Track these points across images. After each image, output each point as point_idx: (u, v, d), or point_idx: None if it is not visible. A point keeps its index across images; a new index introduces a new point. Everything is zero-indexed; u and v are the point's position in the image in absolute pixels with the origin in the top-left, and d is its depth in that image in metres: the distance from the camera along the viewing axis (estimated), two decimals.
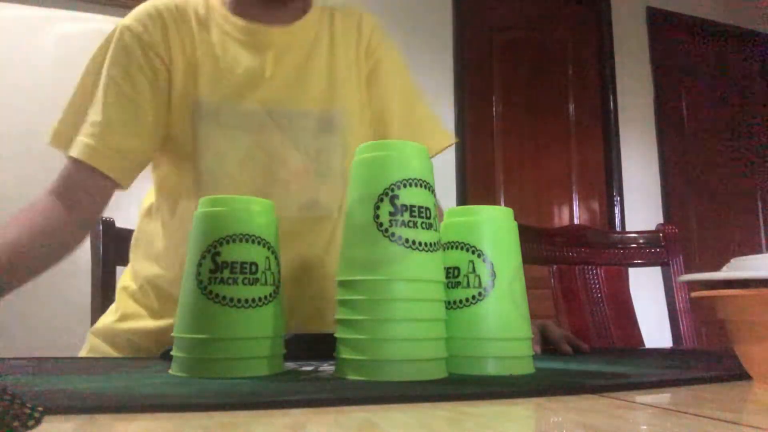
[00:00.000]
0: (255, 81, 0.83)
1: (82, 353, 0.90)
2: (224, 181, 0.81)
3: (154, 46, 0.80)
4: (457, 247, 0.56)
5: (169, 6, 0.82)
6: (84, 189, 0.80)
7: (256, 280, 0.53)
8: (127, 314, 0.87)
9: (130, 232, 0.98)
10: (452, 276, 0.55)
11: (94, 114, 0.79)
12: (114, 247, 1.09)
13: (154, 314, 0.85)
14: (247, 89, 0.82)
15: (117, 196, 0.86)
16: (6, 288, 0.74)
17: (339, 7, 0.93)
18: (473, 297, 0.54)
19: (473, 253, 0.55)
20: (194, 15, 0.83)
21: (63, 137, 0.81)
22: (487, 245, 0.56)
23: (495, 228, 0.57)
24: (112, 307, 0.92)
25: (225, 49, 0.82)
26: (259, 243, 0.54)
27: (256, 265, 0.53)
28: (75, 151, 0.78)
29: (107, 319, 0.90)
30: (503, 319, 0.54)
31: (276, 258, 0.55)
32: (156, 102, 0.80)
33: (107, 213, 1.11)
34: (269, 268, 0.54)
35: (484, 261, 0.55)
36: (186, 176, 0.83)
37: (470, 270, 0.55)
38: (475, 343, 0.54)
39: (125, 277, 0.93)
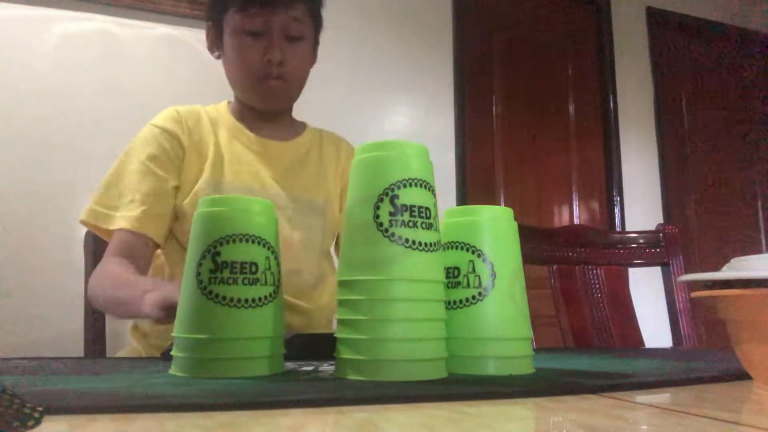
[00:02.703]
0: (254, 171, 1.03)
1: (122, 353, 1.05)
2: None
3: (175, 136, 1.00)
4: (457, 247, 0.56)
5: (186, 109, 1.05)
6: (138, 253, 0.95)
7: (256, 280, 0.53)
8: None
9: None
10: (452, 276, 0.55)
11: (132, 193, 0.96)
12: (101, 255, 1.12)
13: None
14: (247, 174, 1.03)
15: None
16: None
17: (326, 132, 1.17)
18: (473, 297, 0.54)
19: (473, 253, 0.55)
20: (206, 116, 1.05)
21: (97, 215, 0.96)
22: (487, 245, 0.55)
23: (495, 228, 0.57)
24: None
25: (231, 146, 1.03)
26: (259, 243, 0.54)
27: (256, 265, 0.53)
28: (127, 224, 0.94)
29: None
30: (503, 319, 0.54)
31: (276, 258, 0.55)
32: (175, 178, 0.99)
33: None
34: (269, 268, 0.54)
35: (484, 261, 0.55)
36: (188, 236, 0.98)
37: (470, 270, 0.55)
38: (475, 343, 0.54)
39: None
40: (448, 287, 0.55)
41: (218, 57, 1.05)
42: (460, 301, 0.54)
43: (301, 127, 1.15)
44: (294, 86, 1.04)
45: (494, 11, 2.91)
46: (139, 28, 2.17)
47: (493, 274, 0.55)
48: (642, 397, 0.45)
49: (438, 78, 2.67)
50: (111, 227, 0.94)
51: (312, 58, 1.07)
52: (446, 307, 0.54)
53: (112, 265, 0.90)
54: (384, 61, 2.56)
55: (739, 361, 0.52)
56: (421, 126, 2.61)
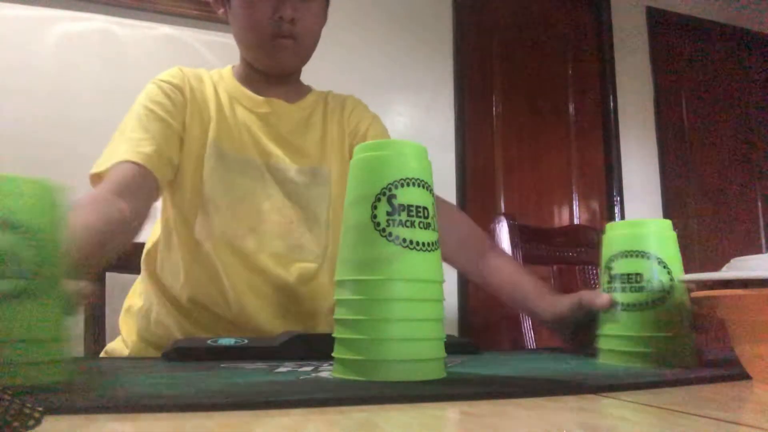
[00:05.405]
0: (257, 138, 0.98)
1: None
2: (222, 211, 0.94)
3: (178, 89, 0.97)
4: (636, 256, 0.66)
5: (189, 69, 1.02)
6: (139, 188, 0.86)
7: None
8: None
9: None
10: (635, 281, 0.66)
11: (138, 132, 0.89)
12: None
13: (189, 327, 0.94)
14: (249, 144, 0.98)
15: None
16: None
17: (332, 94, 1.12)
18: (655, 299, 0.64)
19: (654, 260, 0.65)
20: (209, 79, 1.01)
21: (101, 163, 0.86)
22: (662, 254, 0.66)
23: (663, 238, 0.67)
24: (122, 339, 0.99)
25: (233, 110, 0.99)
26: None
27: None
28: (132, 156, 0.85)
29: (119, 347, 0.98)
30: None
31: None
32: (180, 125, 0.95)
33: None
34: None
35: (664, 268, 0.65)
36: (186, 203, 0.94)
37: (651, 275, 0.65)
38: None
39: (135, 299, 1.00)
40: (631, 291, 0.65)
41: (223, 14, 1.00)
42: (645, 303, 0.64)
43: (306, 90, 1.10)
44: (305, 47, 0.98)
45: (494, 11, 2.91)
46: (139, 28, 2.17)
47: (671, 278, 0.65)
48: (642, 397, 0.45)
49: (438, 78, 2.67)
50: (111, 162, 0.84)
51: (324, 18, 1.01)
52: (632, 309, 0.64)
53: (101, 200, 0.79)
54: (384, 61, 2.56)
55: (739, 361, 0.52)
56: (421, 126, 2.61)
